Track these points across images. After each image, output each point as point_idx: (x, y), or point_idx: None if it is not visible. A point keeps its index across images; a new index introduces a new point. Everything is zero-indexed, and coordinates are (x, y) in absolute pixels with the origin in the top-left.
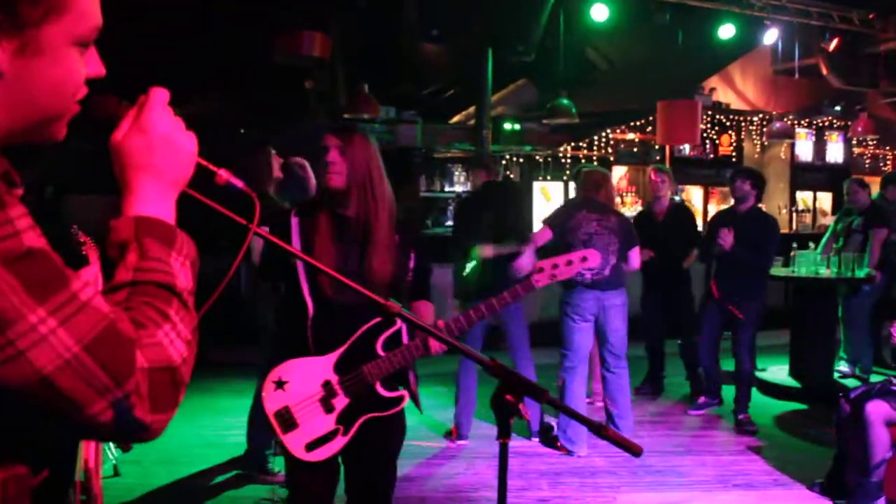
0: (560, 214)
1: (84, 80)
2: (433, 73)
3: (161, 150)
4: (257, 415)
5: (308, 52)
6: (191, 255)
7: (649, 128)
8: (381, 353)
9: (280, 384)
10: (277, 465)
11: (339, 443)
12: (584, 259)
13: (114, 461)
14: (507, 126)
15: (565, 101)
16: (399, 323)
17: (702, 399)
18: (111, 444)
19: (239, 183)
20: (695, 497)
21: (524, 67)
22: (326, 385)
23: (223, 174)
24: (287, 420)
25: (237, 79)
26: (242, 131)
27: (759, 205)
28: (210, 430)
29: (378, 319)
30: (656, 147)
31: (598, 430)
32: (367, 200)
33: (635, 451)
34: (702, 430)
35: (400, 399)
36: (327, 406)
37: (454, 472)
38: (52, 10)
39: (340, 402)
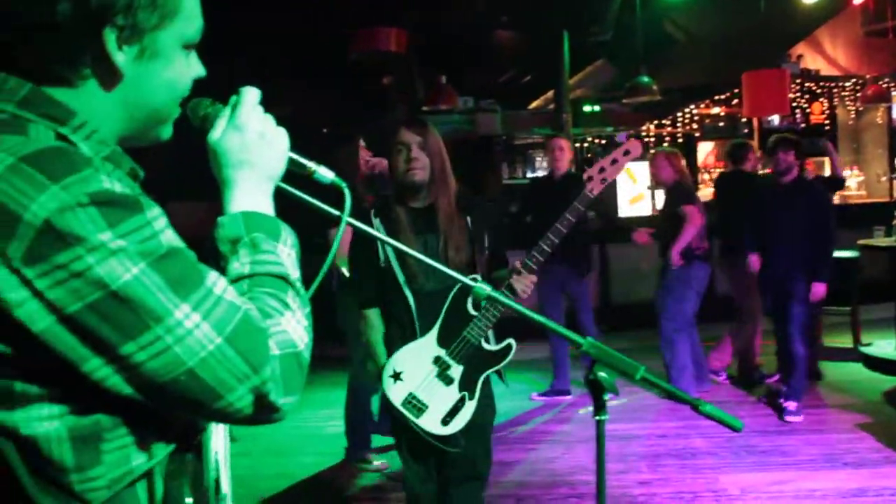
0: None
1: (190, 82)
2: (509, 59)
3: (256, 146)
4: (353, 407)
5: (384, 47)
6: (294, 245)
7: (735, 101)
8: (473, 313)
9: (397, 376)
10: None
11: (470, 408)
12: (627, 153)
13: None
14: (587, 108)
15: (645, 79)
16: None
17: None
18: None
19: (329, 174)
20: (801, 476)
21: (601, 47)
22: (437, 361)
23: (313, 166)
24: (416, 405)
25: (317, 79)
26: (325, 130)
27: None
28: (311, 421)
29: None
30: (743, 120)
31: (695, 405)
32: (441, 191)
33: (735, 425)
34: (806, 407)
35: (509, 347)
36: (446, 379)
37: (552, 456)
38: (167, 16)
39: (456, 371)
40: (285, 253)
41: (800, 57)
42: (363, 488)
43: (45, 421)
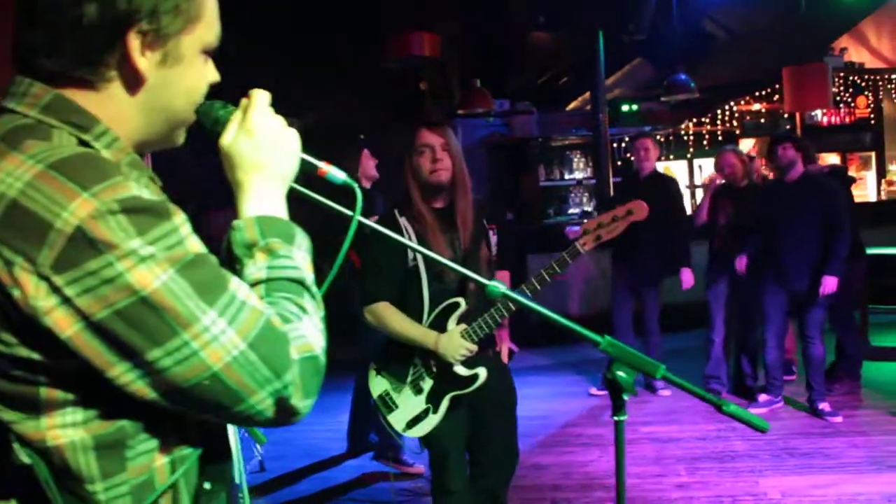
0: None
1: (207, 87)
2: (546, 61)
3: (268, 149)
4: (357, 404)
5: (418, 52)
6: (308, 247)
7: (776, 96)
8: (450, 328)
9: (380, 370)
10: (413, 458)
11: (431, 421)
12: (630, 213)
13: (259, 457)
14: (625, 108)
15: (683, 77)
16: (463, 304)
17: (764, 397)
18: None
19: (340, 175)
20: (845, 480)
21: (639, 46)
22: (414, 368)
23: (324, 167)
24: (388, 403)
25: (354, 85)
26: (362, 136)
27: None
28: (346, 423)
29: (452, 301)
30: (785, 116)
31: (719, 405)
32: (461, 192)
33: (761, 426)
34: (850, 409)
35: (475, 377)
36: (416, 388)
37: (588, 459)
38: (189, 22)
39: (426, 383)
40: (300, 256)
41: (843, 50)
42: (396, 490)
43: (69, 428)
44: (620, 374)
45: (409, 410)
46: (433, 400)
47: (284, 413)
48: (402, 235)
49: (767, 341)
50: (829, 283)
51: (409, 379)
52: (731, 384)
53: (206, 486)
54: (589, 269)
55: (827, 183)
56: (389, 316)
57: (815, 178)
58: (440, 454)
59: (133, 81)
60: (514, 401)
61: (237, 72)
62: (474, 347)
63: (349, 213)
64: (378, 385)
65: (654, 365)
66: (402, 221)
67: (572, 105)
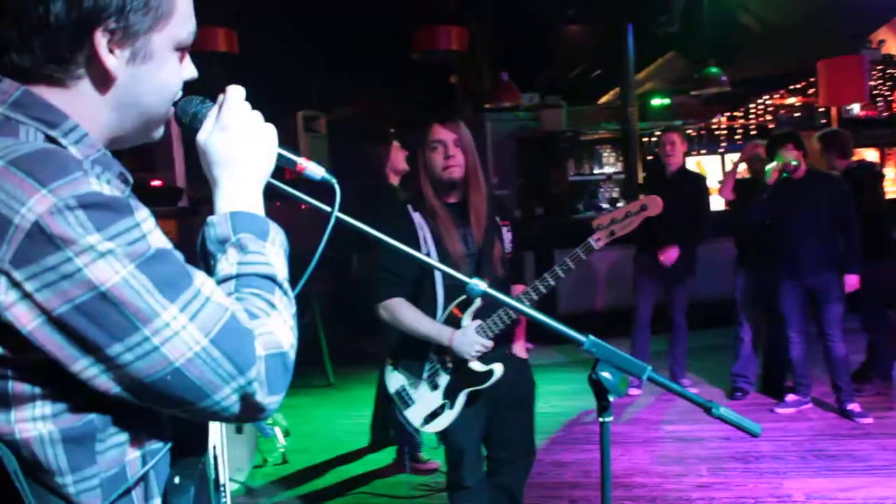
0: None
1: (182, 83)
2: (576, 55)
3: (243, 144)
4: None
5: (445, 46)
6: (283, 243)
7: (811, 90)
8: (464, 324)
9: (396, 365)
10: (429, 454)
11: (448, 416)
12: (644, 208)
13: (282, 450)
14: (656, 102)
15: (714, 70)
16: (478, 301)
17: (792, 397)
18: (279, 435)
19: (318, 172)
20: (873, 484)
21: (672, 39)
22: (430, 363)
23: (302, 162)
24: (404, 398)
25: (384, 80)
26: (392, 130)
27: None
28: (369, 419)
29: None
30: (820, 110)
31: (708, 409)
32: (475, 187)
33: (752, 431)
34: (881, 410)
35: (490, 373)
36: (433, 383)
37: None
38: (159, 19)
39: (442, 379)
40: (273, 252)
41: (881, 42)
42: (416, 485)
43: (38, 422)
44: (605, 374)
45: (426, 406)
46: (450, 395)
47: (250, 409)
48: (415, 231)
49: (790, 338)
50: (851, 281)
51: (425, 374)
52: (759, 383)
53: (176, 480)
54: (615, 264)
55: (834, 178)
56: (403, 312)
57: (820, 174)
58: (456, 450)
59: (102, 79)
60: (532, 397)
61: (264, 69)
62: (489, 343)
63: (327, 209)
64: (395, 380)
65: (639, 366)
66: (416, 217)
67: (604, 99)
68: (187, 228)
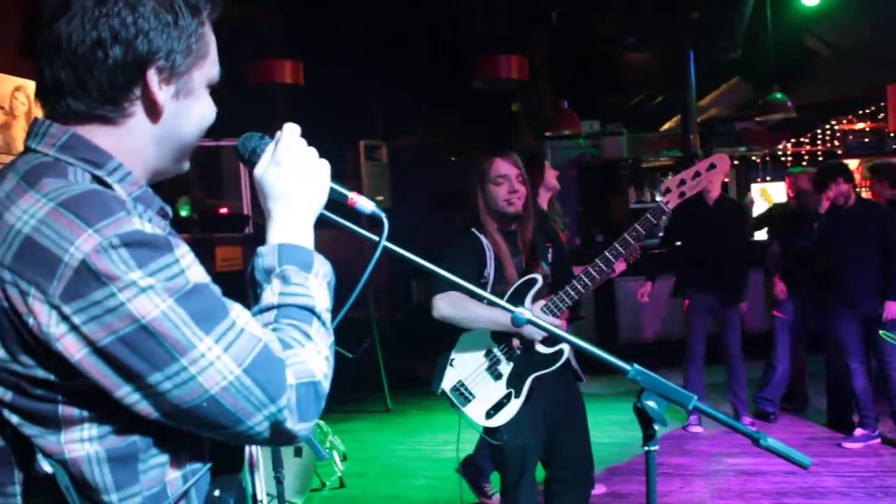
0: None
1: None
2: (637, 81)
3: (295, 179)
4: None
5: (506, 74)
6: (327, 275)
7: (881, 114)
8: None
9: (451, 362)
10: (496, 485)
11: (514, 406)
12: (713, 167)
13: (339, 474)
14: (719, 128)
15: (779, 95)
16: (540, 279)
17: (860, 431)
18: (338, 459)
19: (368, 206)
20: None
21: (735, 65)
22: (489, 354)
23: (354, 197)
24: (464, 393)
25: (446, 108)
26: (453, 159)
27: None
28: (428, 445)
29: (528, 278)
30: (892, 135)
31: (756, 440)
32: (529, 218)
33: (802, 463)
34: None
35: (560, 353)
36: (495, 373)
37: (668, 489)
38: (199, 58)
39: (505, 367)
40: (315, 284)
41: None
42: None
43: (85, 442)
44: (650, 403)
45: (490, 398)
46: (515, 383)
47: (280, 435)
48: (484, 250)
49: (853, 369)
50: (892, 309)
51: (485, 366)
52: (829, 415)
53: (216, 493)
54: (663, 296)
55: (883, 208)
56: (465, 300)
57: (869, 203)
58: (516, 467)
59: (151, 114)
60: (586, 417)
61: (328, 99)
62: (558, 322)
63: (375, 238)
64: (451, 377)
65: (685, 395)
66: (484, 241)
67: (667, 125)
68: (252, 254)
